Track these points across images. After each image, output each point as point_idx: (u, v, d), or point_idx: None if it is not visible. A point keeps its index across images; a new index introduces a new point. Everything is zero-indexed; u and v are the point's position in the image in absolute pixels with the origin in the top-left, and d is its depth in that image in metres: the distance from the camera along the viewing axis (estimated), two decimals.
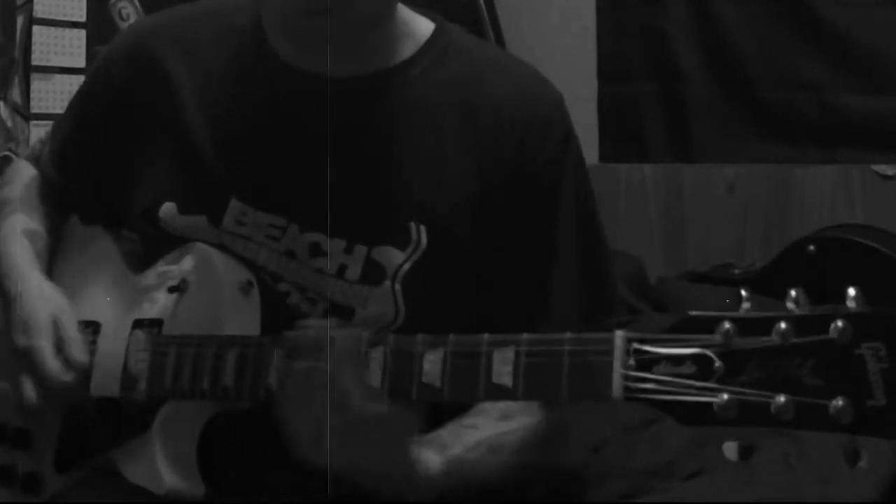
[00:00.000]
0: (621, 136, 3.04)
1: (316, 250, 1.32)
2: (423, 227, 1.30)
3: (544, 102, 1.36)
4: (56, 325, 1.35)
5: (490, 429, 1.30)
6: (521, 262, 1.34)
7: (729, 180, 2.85)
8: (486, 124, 1.33)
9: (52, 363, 1.32)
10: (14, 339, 1.36)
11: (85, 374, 1.34)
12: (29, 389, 1.32)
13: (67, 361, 1.33)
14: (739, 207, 2.83)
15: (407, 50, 1.36)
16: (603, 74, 3.05)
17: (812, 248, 2.49)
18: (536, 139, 1.33)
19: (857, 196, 2.71)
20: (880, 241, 2.45)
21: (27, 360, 1.33)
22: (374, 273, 1.30)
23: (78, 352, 1.33)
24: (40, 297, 1.39)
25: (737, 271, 2.66)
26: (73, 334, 1.35)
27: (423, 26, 1.38)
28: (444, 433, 1.28)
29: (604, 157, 3.03)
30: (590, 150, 2.95)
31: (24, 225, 1.49)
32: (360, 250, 1.30)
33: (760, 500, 1.54)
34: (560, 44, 3.03)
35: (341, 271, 1.31)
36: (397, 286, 1.30)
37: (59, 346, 1.34)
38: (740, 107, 2.87)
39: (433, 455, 1.23)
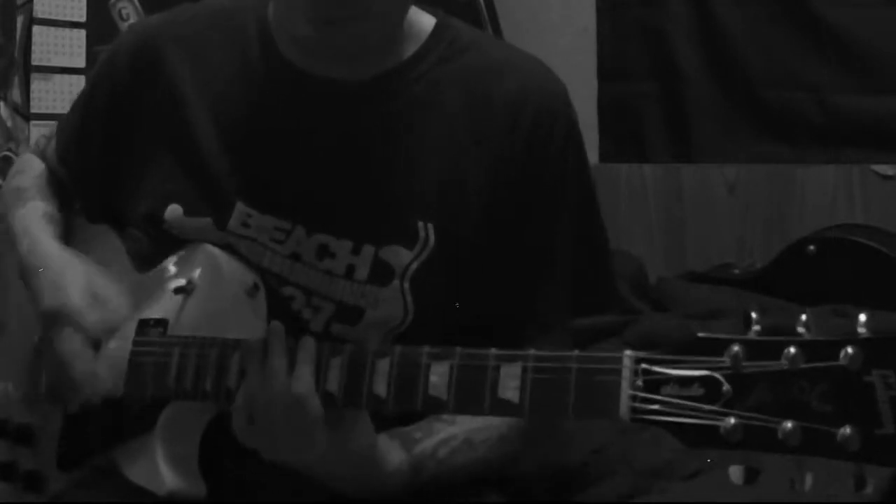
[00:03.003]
0: (621, 136, 3.03)
1: (324, 252, 1.32)
2: (430, 226, 1.31)
3: (550, 95, 1.37)
4: (89, 283, 1.35)
5: (466, 424, 1.30)
6: (522, 255, 1.35)
7: (729, 180, 2.85)
8: (494, 119, 1.33)
9: (90, 316, 1.33)
10: (42, 303, 1.36)
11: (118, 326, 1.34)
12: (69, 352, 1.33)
13: (105, 317, 1.34)
14: (739, 207, 2.83)
15: (410, 47, 1.36)
16: (603, 74, 3.05)
17: (812, 248, 2.48)
18: (544, 132, 1.34)
19: (857, 196, 2.70)
20: (880, 242, 2.45)
21: (63, 319, 1.33)
22: (382, 273, 1.30)
23: (115, 306, 1.34)
24: (67, 260, 1.39)
25: (737, 271, 2.66)
26: (107, 290, 1.36)
27: (425, 22, 1.38)
28: (417, 428, 1.29)
29: (604, 157, 3.02)
30: (590, 150, 2.92)
31: (45, 209, 1.50)
32: (368, 250, 1.30)
33: (760, 501, 1.54)
34: (560, 44, 3.02)
35: (349, 272, 1.31)
36: (406, 286, 1.30)
37: (96, 302, 1.34)
38: (740, 107, 2.87)
39: (398, 450, 1.24)
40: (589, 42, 3.04)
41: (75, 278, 1.36)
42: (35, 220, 1.48)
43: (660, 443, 1.79)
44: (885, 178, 2.68)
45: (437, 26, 1.38)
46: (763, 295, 2.45)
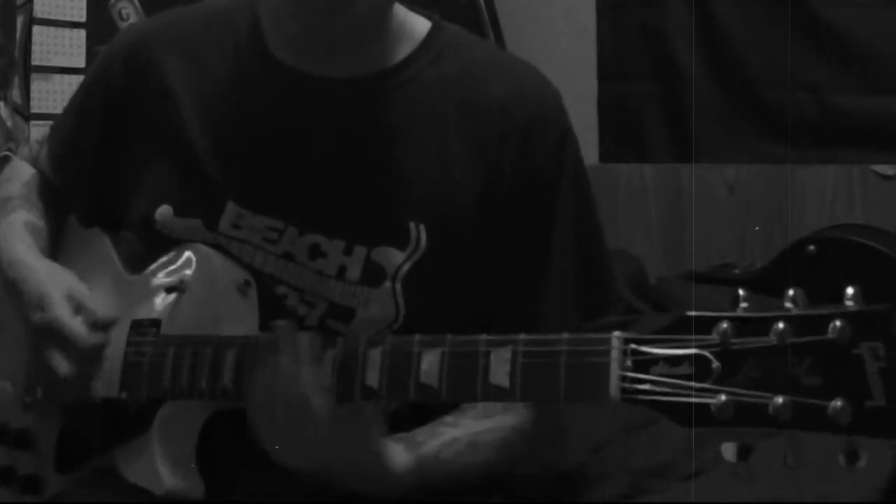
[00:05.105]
0: (621, 136, 3.03)
1: (316, 251, 1.32)
2: (422, 227, 1.30)
3: (542, 101, 1.36)
4: (71, 295, 1.35)
5: (469, 427, 1.30)
6: (520, 259, 1.34)
7: (729, 180, 2.85)
8: (485, 123, 1.33)
9: (76, 326, 1.32)
10: (31, 318, 1.35)
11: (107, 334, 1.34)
12: (60, 363, 1.32)
13: (93, 325, 1.33)
14: (739, 207, 2.83)
15: (404, 49, 1.36)
16: (603, 74, 3.05)
17: (812, 248, 2.48)
18: (535, 137, 1.33)
19: (857, 196, 2.70)
20: (880, 241, 2.44)
21: (49, 333, 1.33)
22: (374, 274, 1.30)
23: (101, 313, 1.33)
24: (50, 275, 1.39)
25: (737, 271, 2.66)
26: (89, 302, 1.35)
27: (419, 25, 1.38)
28: (421, 431, 1.29)
29: (604, 157, 3.03)
30: (590, 150, 2.95)
31: (26, 219, 1.49)
32: (360, 251, 1.30)
33: (760, 500, 1.53)
34: (560, 44, 3.03)
35: (341, 272, 1.31)
36: (397, 286, 1.30)
37: (79, 313, 1.33)
38: (740, 107, 2.87)
39: (402, 452, 1.24)
40: (589, 42, 3.05)
41: (56, 288, 1.36)
42: (16, 230, 1.47)
43: (660, 443, 1.79)
44: (885, 178, 2.68)
45: (431, 30, 1.38)
46: (763, 295, 2.44)
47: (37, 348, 1.36)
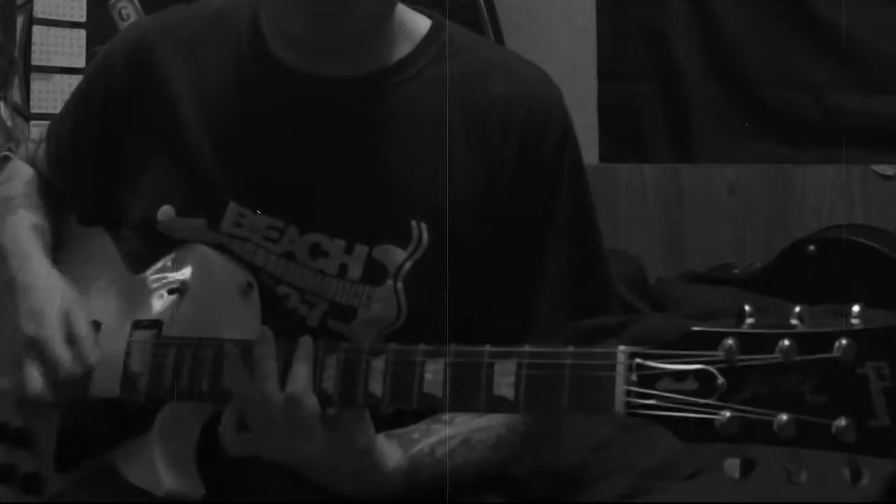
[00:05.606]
0: (621, 136, 3.03)
1: (316, 251, 1.32)
2: (424, 225, 1.30)
3: (544, 99, 1.36)
4: (67, 318, 1.34)
5: (464, 424, 1.30)
6: (516, 257, 1.34)
7: (729, 180, 2.85)
8: (486, 121, 1.33)
9: (61, 353, 1.31)
10: (23, 328, 1.34)
11: (91, 370, 1.33)
12: (34, 380, 1.31)
13: (78, 356, 1.32)
14: (739, 207, 2.83)
15: (404, 48, 1.36)
16: (603, 74, 3.05)
17: (812, 248, 2.48)
18: (536, 136, 1.33)
19: (857, 196, 2.70)
20: (881, 242, 2.44)
21: (35, 350, 1.32)
22: (375, 272, 1.30)
23: (89, 348, 1.32)
24: (52, 289, 1.38)
25: (737, 271, 2.66)
26: (84, 330, 1.34)
27: (419, 24, 1.38)
28: (415, 428, 1.29)
29: (604, 157, 3.02)
30: (590, 150, 2.95)
31: (32, 220, 1.49)
32: (361, 250, 1.30)
33: (760, 501, 1.53)
34: (560, 44, 3.03)
35: (342, 271, 1.31)
36: (399, 285, 1.30)
37: (70, 340, 1.33)
38: (740, 107, 2.87)
39: (396, 451, 1.24)
40: (589, 42, 3.04)
41: (54, 308, 1.35)
42: (25, 232, 1.47)
43: (660, 442, 1.78)
44: (885, 178, 2.68)
45: (431, 28, 1.38)
46: (763, 295, 2.44)
47: (17, 361, 1.35)
